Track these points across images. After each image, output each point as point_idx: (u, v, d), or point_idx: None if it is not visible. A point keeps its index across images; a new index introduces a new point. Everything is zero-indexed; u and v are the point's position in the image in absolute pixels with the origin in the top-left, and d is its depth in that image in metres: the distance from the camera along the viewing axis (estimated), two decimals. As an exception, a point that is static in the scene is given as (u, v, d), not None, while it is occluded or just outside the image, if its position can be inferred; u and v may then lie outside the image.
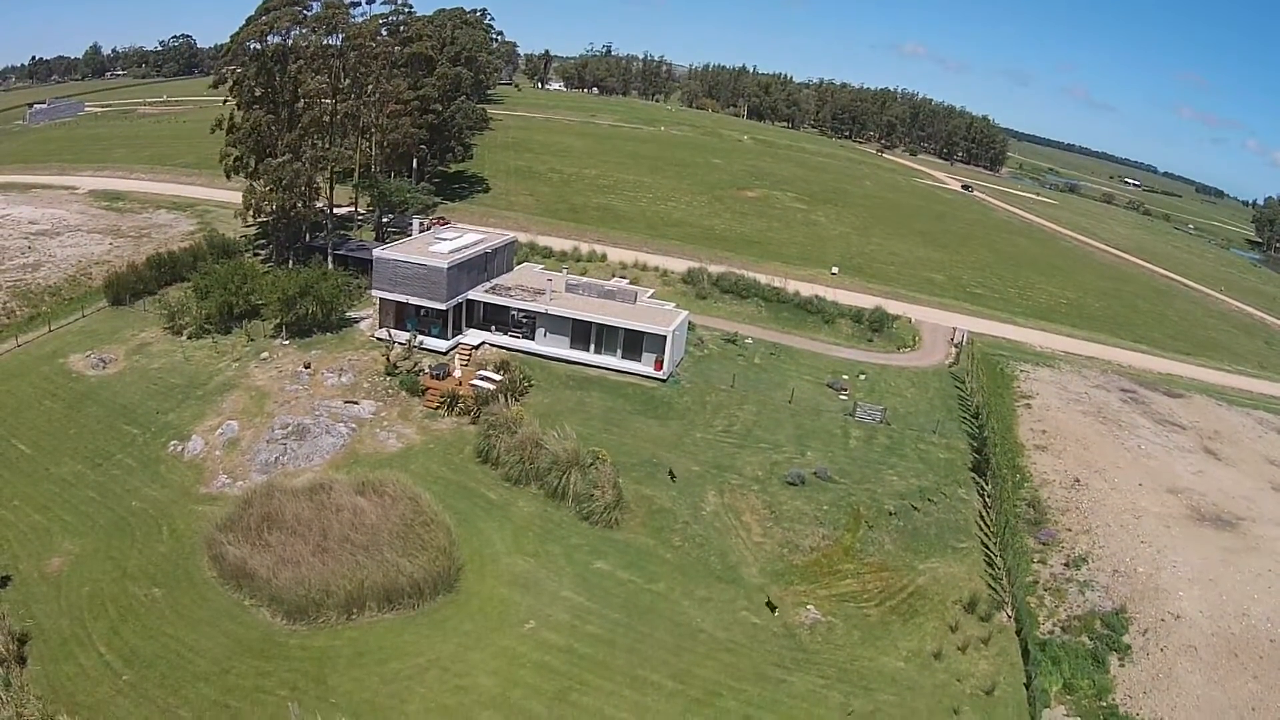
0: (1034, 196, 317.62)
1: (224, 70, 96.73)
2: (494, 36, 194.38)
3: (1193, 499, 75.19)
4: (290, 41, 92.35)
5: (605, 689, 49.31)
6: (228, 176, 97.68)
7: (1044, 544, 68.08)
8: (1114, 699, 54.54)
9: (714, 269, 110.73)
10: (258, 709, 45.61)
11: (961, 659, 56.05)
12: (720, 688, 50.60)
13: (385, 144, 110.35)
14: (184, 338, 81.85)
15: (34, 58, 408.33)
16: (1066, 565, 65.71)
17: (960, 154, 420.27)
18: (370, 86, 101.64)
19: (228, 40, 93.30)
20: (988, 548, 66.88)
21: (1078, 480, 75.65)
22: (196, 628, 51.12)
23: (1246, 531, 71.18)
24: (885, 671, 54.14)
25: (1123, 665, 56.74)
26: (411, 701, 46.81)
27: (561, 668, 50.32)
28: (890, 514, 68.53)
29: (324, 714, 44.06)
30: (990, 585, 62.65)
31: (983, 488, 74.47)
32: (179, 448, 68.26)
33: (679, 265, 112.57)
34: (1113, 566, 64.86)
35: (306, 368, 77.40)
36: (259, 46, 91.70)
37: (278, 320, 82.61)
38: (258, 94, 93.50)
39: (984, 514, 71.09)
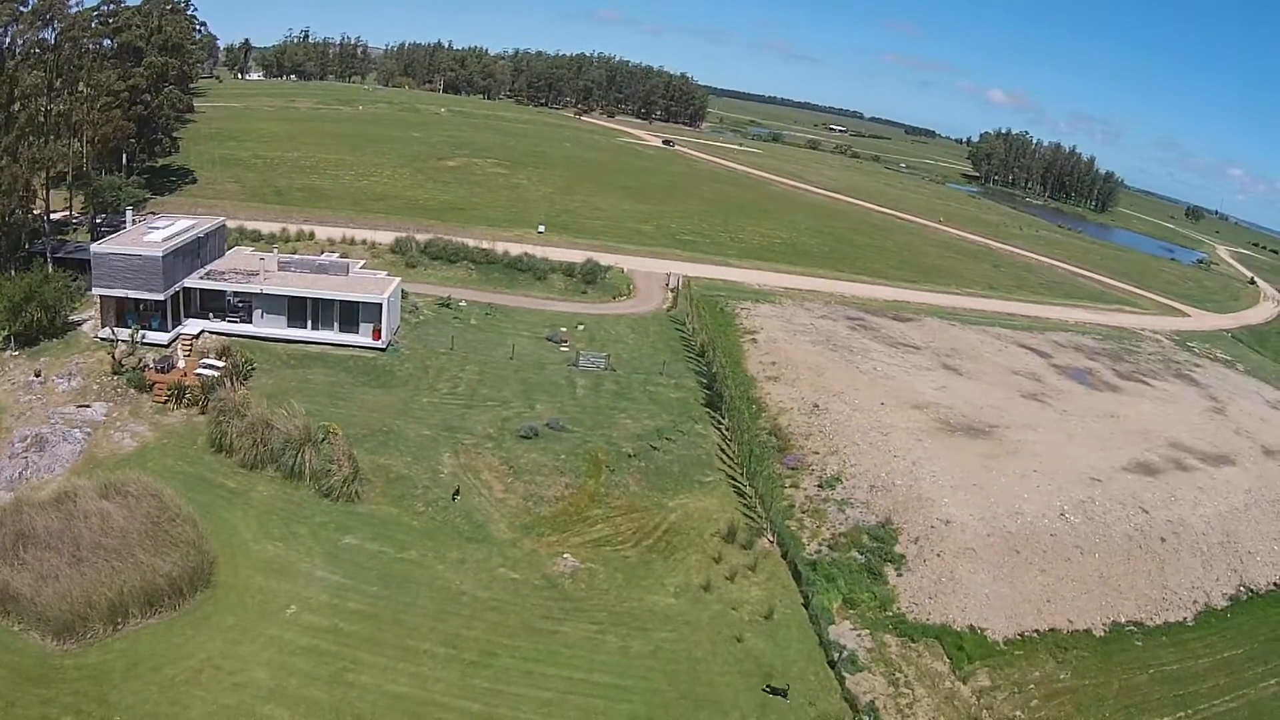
0: (737, 147, 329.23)
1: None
2: (198, 27, 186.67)
3: (940, 412, 79.89)
4: (8, 39, 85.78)
5: (379, 664, 48.59)
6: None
7: (793, 469, 71.13)
8: (899, 608, 57.23)
9: (421, 237, 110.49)
10: (48, 740, 42.78)
11: (732, 588, 58.09)
12: (494, 647, 50.73)
13: (96, 139, 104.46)
14: (-93, 362, 75.06)
15: None
16: (820, 487, 68.64)
17: (659, 112, 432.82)
18: (81, 83, 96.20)
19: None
20: (734, 479, 69.32)
21: (816, 405, 79.13)
22: (-30, 664, 47.39)
23: (1002, 437, 76.24)
24: (657, 610, 55.54)
25: (900, 575, 59.63)
26: (193, 706, 44.65)
27: (332, 649, 49.17)
28: (630, 456, 70.08)
29: (111, 733, 41.84)
30: (745, 514, 65.03)
31: (719, 422, 77.08)
32: (-87, 477, 62.71)
33: (386, 237, 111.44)
34: (869, 482, 68.15)
35: (37, 376, 72.92)
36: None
37: (5, 331, 77.17)
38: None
39: (724, 446, 73.68)
